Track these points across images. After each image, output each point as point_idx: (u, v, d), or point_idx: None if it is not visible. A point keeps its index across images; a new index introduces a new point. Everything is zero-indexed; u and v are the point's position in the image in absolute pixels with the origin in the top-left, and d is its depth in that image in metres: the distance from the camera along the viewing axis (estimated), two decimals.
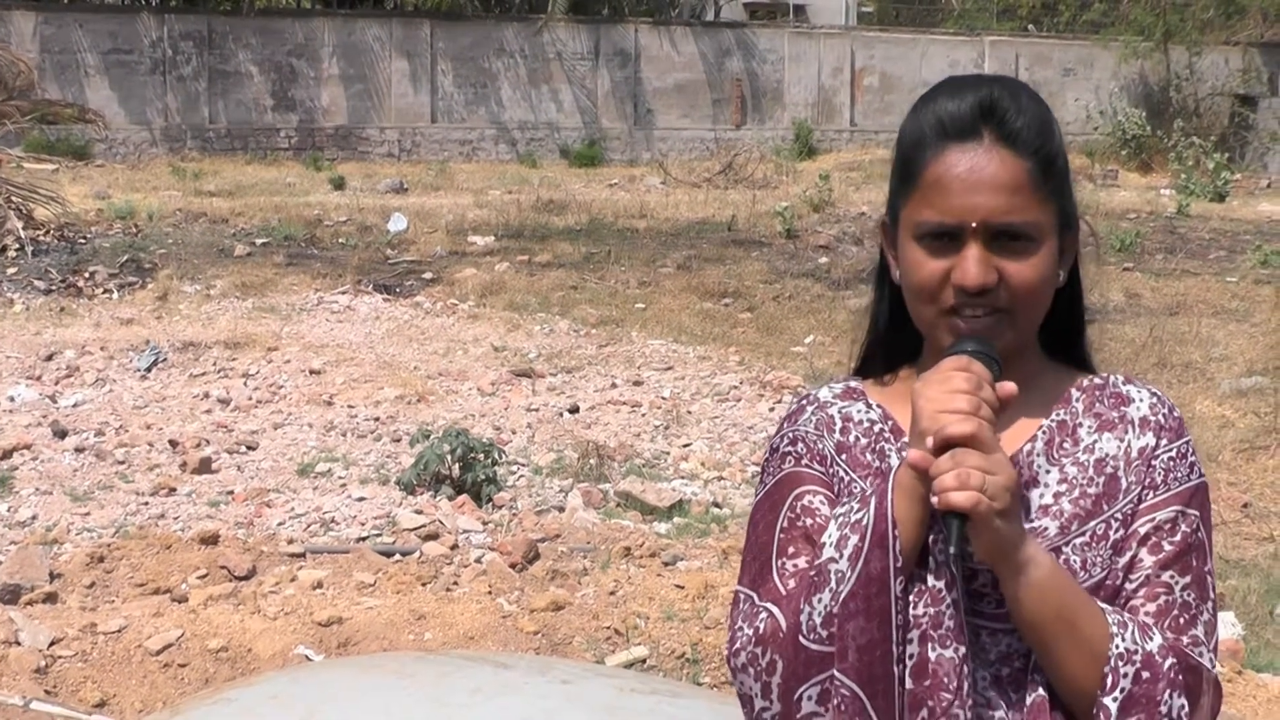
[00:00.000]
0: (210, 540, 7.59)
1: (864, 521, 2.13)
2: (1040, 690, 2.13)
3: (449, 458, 8.98)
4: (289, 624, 6.38)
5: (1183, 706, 2.07)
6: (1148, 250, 18.17)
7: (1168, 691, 2.06)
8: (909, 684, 2.12)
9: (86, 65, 26.27)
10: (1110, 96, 31.77)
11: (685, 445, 10.62)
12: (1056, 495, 2.19)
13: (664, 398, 11.83)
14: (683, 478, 9.85)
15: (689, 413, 11.44)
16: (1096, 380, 2.29)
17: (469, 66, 28.61)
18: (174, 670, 6.00)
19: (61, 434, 10.27)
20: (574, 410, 11.36)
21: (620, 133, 29.52)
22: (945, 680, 2.10)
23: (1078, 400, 2.26)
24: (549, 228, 19.17)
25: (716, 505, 9.22)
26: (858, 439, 2.36)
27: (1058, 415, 2.25)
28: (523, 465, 9.80)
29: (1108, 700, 2.05)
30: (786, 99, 30.74)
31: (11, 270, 15.25)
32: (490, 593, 6.90)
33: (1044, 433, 2.23)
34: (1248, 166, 28.98)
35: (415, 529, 8.10)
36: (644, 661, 6.34)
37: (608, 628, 6.63)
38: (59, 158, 22.30)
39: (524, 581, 7.14)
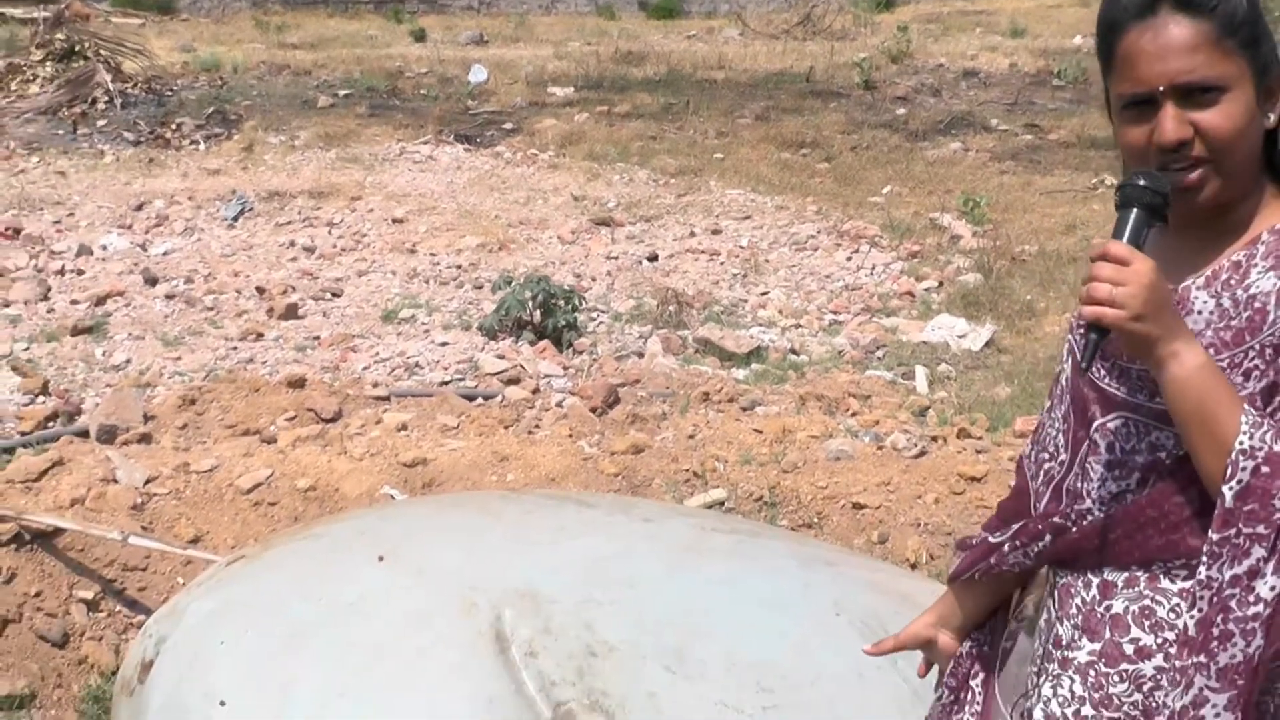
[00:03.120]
0: (297, 384, 7.60)
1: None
2: (1170, 479, 2.33)
3: (530, 304, 8.93)
4: (374, 465, 6.38)
5: None
6: None
7: None
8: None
9: None
10: None
11: (763, 293, 10.52)
12: (1207, 324, 2.30)
13: (742, 246, 11.71)
14: (760, 325, 9.75)
15: (766, 261, 11.32)
16: None
17: None
18: (264, 508, 6.02)
19: (152, 281, 10.28)
20: (653, 258, 11.27)
21: None
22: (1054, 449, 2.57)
23: (1265, 241, 2.33)
24: (627, 79, 18.98)
25: (794, 352, 9.13)
26: None
27: (1238, 256, 2.33)
28: (602, 312, 9.73)
29: (1225, 489, 2.17)
30: None
31: (101, 122, 15.25)
32: (571, 436, 6.87)
33: (1216, 270, 2.34)
34: None
35: (497, 373, 8.07)
36: (722, 504, 6.30)
37: (686, 470, 6.59)
38: (145, 12, 22.25)
39: (604, 425, 7.11)
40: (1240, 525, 2.17)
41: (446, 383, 7.95)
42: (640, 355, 8.80)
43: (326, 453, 6.48)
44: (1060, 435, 2.57)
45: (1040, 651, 2.52)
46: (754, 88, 18.68)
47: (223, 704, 3.63)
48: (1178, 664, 2.24)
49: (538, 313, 8.92)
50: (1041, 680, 2.47)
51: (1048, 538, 2.47)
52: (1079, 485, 2.47)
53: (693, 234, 12.07)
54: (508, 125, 16.22)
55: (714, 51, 21.82)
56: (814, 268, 11.26)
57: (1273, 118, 2.32)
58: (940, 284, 10.86)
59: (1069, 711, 2.40)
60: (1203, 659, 2.21)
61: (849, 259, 11.49)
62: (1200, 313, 2.32)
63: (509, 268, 10.54)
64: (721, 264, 11.24)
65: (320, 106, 16.76)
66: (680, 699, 3.46)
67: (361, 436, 6.69)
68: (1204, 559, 2.22)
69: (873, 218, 12.78)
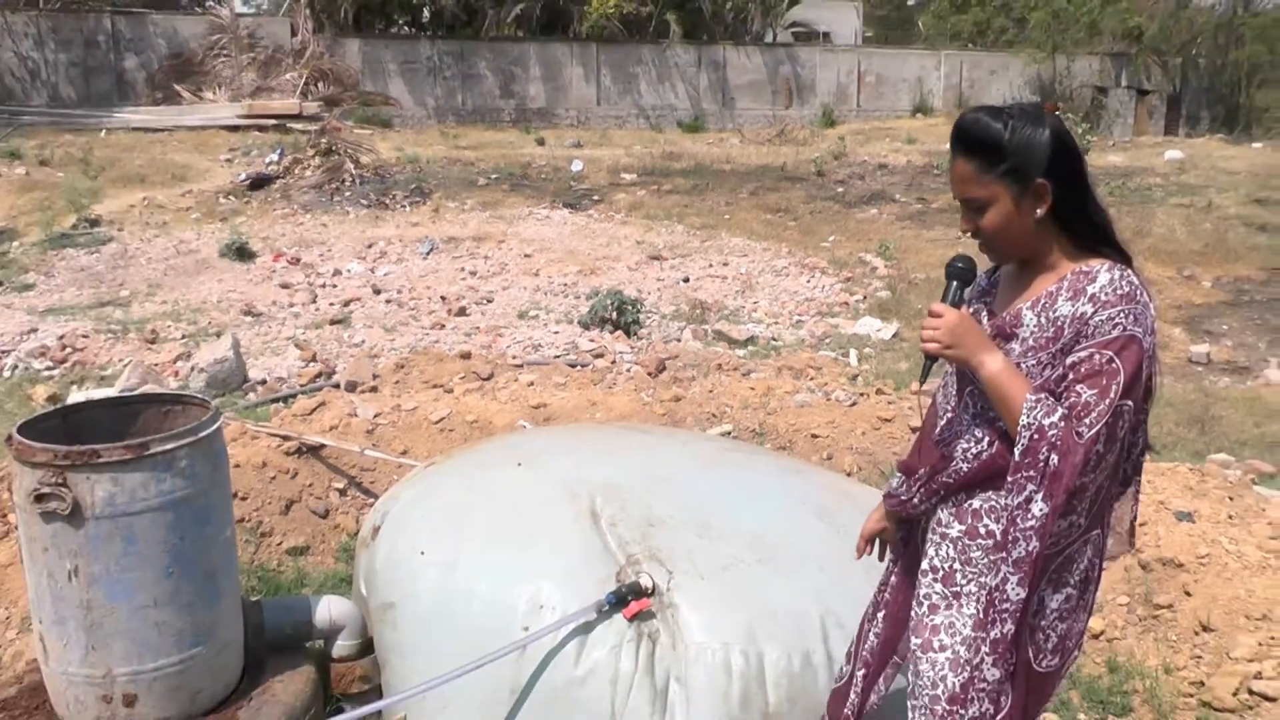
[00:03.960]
0: (466, 356, 7.60)
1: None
2: (1004, 438, 2.38)
3: (610, 307, 8.92)
4: (514, 407, 6.38)
5: (1055, 462, 2.22)
6: None
7: (1046, 449, 2.22)
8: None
9: (389, 70, 26.07)
10: (1018, 88, 31.14)
11: (755, 302, 10.49)
12: (1030, 334, 2.36)
13: (741, 273, 11.66)
14: (753, 322, 9.73)
15: (757, 283, 11.27)
16: (1085, 267, 2.33)
17: (620, 71, 28.16)
18: (446, 433, 6.02)
19: (377, 291, 10.32)
20: (686, 280, 11.23)
21: (714, 111, 28.99)
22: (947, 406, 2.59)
23: (1067, 280, 2.34)
24: (670, 169, 18.88)
25: (774, 339, 9.09)
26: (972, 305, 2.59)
27: (1051, 287, 2.36)
28: (654, 313, 9.71)
29: (1016, 449, 2.27)
30: (818, 90, 29.97)
31: (347, 193, 15.30)
32: (636, 390, 6.85)
33: (1039, 298, 2.37)
34: (1101, 131, 28.17)
35: (589, 350, 8.06)
36: (730, 433, 6.27)
37: (708, 412, 6.56)
38: (372, 126, 22.27)
39: (656, 384, 7.08)
40: (1022, 472, 2.26)
41: (558, 356, 7.95)
42: (678, 340, 8.78)
43: (484, 399, 6.49)
44: (952, 397, 2.59)
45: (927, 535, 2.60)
46: (748, 175, 18.56)
47: (422, 553, 3.63)
48: (990, 557, 2.40)
49: (615, 313, 8.91)
50: (928, 549, 2.56)
51: (941, 492, 2.51)
52: (957, 438, 2.50)
53: (711, 265, 12.02)
54: (595, 197, 16.17)
55: (724, 152, 21.69)
56: (786, 287, 11.21)
57: (1039, 211, 2.32)
58: (864, 297, 10.80)
59: (945, 565, 2.50)
60: (1004, 554, 2.32)
61: (808, 281, 11.43)
62: (1027, 325, 2.36)
63: (596, 285, 10.52)
64: (729, 283, 11.19)
65: (480, 185, 16.76)
66: (707, 553, 3.44)
67: (505, 389, 6.70)
68: (1004, 493, 2.33)
69: (822, 255, 12.72)
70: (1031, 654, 2.42)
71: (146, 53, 23.25)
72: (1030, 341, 2.34)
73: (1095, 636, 4.43)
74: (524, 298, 10.31)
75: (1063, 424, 2.22)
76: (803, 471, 4.48)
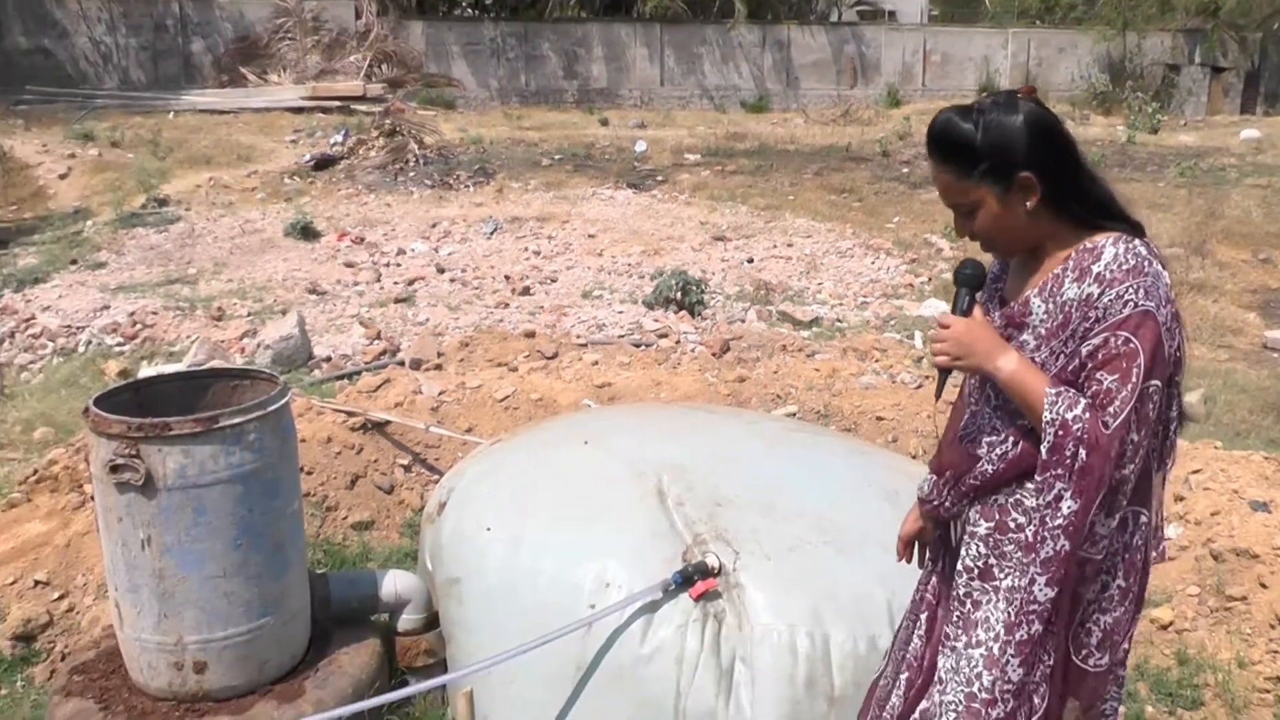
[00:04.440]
0: (530, 335, 7.61)
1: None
2: (1029, 435, 2.31)
3: (675, 287, 8.88)
4: (578, 386, 6.38)
5: (1084, 456, 2.15)
6: (1107, 164, 17.16)
7: (1073, 444, 2.15)
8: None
9: (452, 52, 26.15)
10: (1086, 66, 30.46)
11: (819, 283, 10.38)
12: (1041, 321, 2.28)
13: (806, 254, 11.54)
14: (818, 303, 9.63)
15: (821, 264, 11.16)
16: (1089, 244, 2.24)
17: (683, 51, 28.01)
18: (511, 411, 6.03)
19: (441, 271, 10.36)
20: (750, 261, 11.14)
21: (778, 92, 28.73)
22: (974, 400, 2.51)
23: (1071, 260, 2.25)
24: (734, 149, 18.74)
25: (839, 321, 9.00)
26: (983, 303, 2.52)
27: (1057, 270, 2.27)
28: (718, 293, 9.65)
29: (1041, 447, 2.21)
30: (883, 70, 29.58)
31: (411, 174, 15.36)
32: (700, 370, 6.82)
33: (1045, 283, 2.28)
34: (1172, 110, 27.57)
35: (654, 330, 8.03)
36: (795, 414, 6.22)
37: (772, 393, 6.52)
38: (436, 107, 22.35)
39: (720, 364, 7.05)
40: (1050, 470, 2.20)
41: (622, 336, 7.93)
42: (742, 321, 8.72)
43: (549, 378, 6.50)
44: (975, 390, 2.52)
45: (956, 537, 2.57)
46: (813, 155, 18.38)
47: (488, 529, 3.64)
48: (1021, 554, 2.33)
49: (679, 293, 8.86)
50: (962, 549, 2.49)
51: (970, 495, 2.44)
52: (981, 433, 2.44)
53: (775, 246, 11.92)
54: (659, 178, 16.10)
55: (788, 132, 21.52)
56: (851, 268, 11.09)
57: (1029, 204, 2.23)
58: (929, 279, 10.65)
59: (980, 563, 2.43)
60: (1033, 555, 2.25)
61: (873, 263, 11.30)
62: (1036, 313, 2.29)
63: (660, 266, 10.48)
64: (793, 264, 11.09)
65: (543, 165, 16.77)
66: (773, 534, 3.42)
67: (570, 368, 6.70)
68: (1031, 491, 2.29)
69: (887, 237, 12.56)
70: (1073, 650, 2.36)
71: (213, 36, 23.54)
72: (1042, 330, 2.27)
73: (1163, 628, 4.33)
74: (588, 277, 10.29)
75: (1088, 416, 2.15)
76: (868, 453, 4.43)
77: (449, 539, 3.77)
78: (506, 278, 10.07)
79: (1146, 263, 2.17)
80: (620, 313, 8.69)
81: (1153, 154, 18.96)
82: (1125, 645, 2.41)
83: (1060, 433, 2.16)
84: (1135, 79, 29.69)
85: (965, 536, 2.47)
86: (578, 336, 7.75)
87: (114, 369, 7.37)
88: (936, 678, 2.52)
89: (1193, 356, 8.07)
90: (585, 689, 3.24)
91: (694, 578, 3.20)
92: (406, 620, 3.97)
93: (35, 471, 5.23)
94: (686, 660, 3.15)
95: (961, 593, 2.45)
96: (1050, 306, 2.25)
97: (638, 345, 7.52)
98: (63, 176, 14.72)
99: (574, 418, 4.79)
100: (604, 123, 22.67)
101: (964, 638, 2.44)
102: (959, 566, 2.47)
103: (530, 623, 3.24)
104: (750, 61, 28.73)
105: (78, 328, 8.29)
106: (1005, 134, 2.19)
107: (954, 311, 2.38)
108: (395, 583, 3.95)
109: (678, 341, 7.68)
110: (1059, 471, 2.18)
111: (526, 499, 3.70)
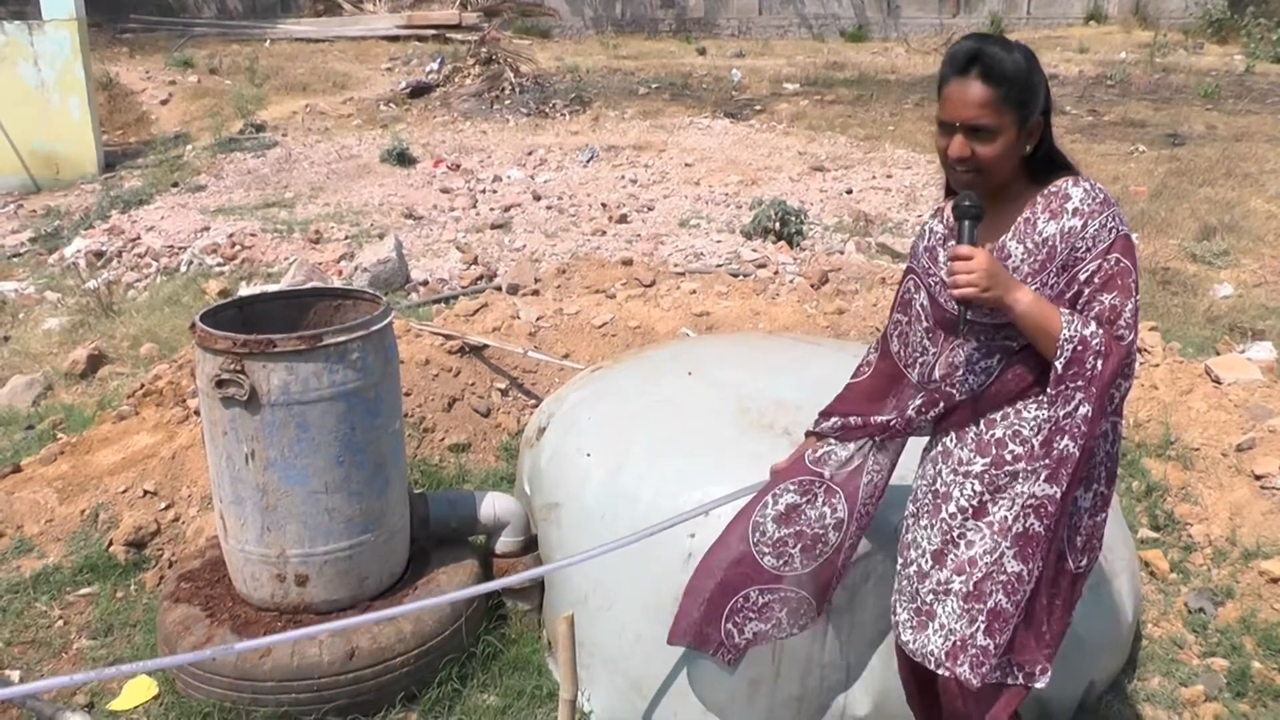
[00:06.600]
0: (627, 263, 7.55)
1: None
2: (1019, 357, 2.50)
3: (773, 217, 8.74)
4: (676, 314, 6.32)
5: (1100, 366, 2.34)
6: (1223, 96, 16.43)
7: (1092, 357, 2.33)
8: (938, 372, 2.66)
9: None
10: None
11: (919, 215, 10.14)
12: (1020, 262, 2.45)
13: (905, 186, 11.28)
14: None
15: (921, 195, 10.90)
16: (1052, 188, 2.44)
17: None
18: (608, 338, 6.00)
19: (538, 198, 10.32)
20: (849, 192, 10.92)
21: (878, 21, 28.03)
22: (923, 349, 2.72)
23: (1039, 203, 2.45)
24: (833, 79, 18.34)
25: None
26: (929, 246, 2.68)
27: (1025, 214, 2.46)
28: (817, 224, 9.47)
29: (1057, 362, 2.36)
30: None
31: (507, 102, 15.31)
32: (799, 301, 6.71)
33: (1016, 227, 2.47)
34: None
35: (752, 260, 7.91)
36: None
37: (872, 326, 6.39)
38: (531, 36, 22.21)
39: (819, 296, 6.92)
40: (1067, 383, 2.37)
41: (720, 265, 7.83)
42: (841, 252, 8.55)
43: (646, 305, 6.44)
44: (926, 339, 2.71)
45: (928, 483, 2.67)
46: (913, 85, 17.90)
47: (588, 455, 3.62)
48: (1025, 466, 2.47)
49: (778, 223, 8.72)
50: (946, 491, 2.59)
51: (941, 405, 2.62)
52: (947, 375, 2.59)
53: (874, 177, 11.66)
54: (757, 107, 15.84)
55: (889, 62, 21.00)
56: None
57: (1029, 148, 2.43)
58: None
59: (974, 502, 2.55)
60: (1043, 464, 2.43)
61: None
62: (1014, 256, 2.45)
63: (759, 195, 10.33)
64: (892, 195, 10.85)
65: (640, 94, 16.59)
66: None
67: (668, 297, 6.63)
68: (1045, 404, 2.43)
69: None
70: (1066, 552, 2.52)
71: None
72: (1024, 269, 2.43)
73: (1274, 580, 4.15)
74: (685, 206, 10.18)
75: (1101, 331, 2.35)
76: None
77: (548, 463, 3.76)
78: (603, 205, 10.01)
79: (1109, 196, 2.42)
80: (718, 242, 8.59)
81: (1274, 84, 18.10)
82: (1100, 549, 2.60)
83: (1080, 347, 2.33)
84: (1258, 4, 28.28)
85: (958, 478, 2.57)
86: (675, 265, 7.67)
87: (214, 289, 7.49)
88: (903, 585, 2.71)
89: None
90: None
91: None
92: (504, 543, 3.98)
93: (142, 386, 5.36)
94: None
95: (955, 534, 2.57)
96: (1029, 245, 2.43)
97: (735, 275, 7.42)
98: (164, 103, 14.97)
99: (676, 347, 4.73)
100: (701, 52, 22.33)
101: (963, 575, 2.56)
102: (951, 509, 2.58)
103: (628, 549, 3.22)
104: None
105: (180, 248, 8.45)
106: (1037, 79, 2.40)
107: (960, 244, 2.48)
108: (494, 505, 3.96)
109: (776, 272, 7.55)
110: (1079, 383, 2.36)
111: (628, 427, 3.67)
